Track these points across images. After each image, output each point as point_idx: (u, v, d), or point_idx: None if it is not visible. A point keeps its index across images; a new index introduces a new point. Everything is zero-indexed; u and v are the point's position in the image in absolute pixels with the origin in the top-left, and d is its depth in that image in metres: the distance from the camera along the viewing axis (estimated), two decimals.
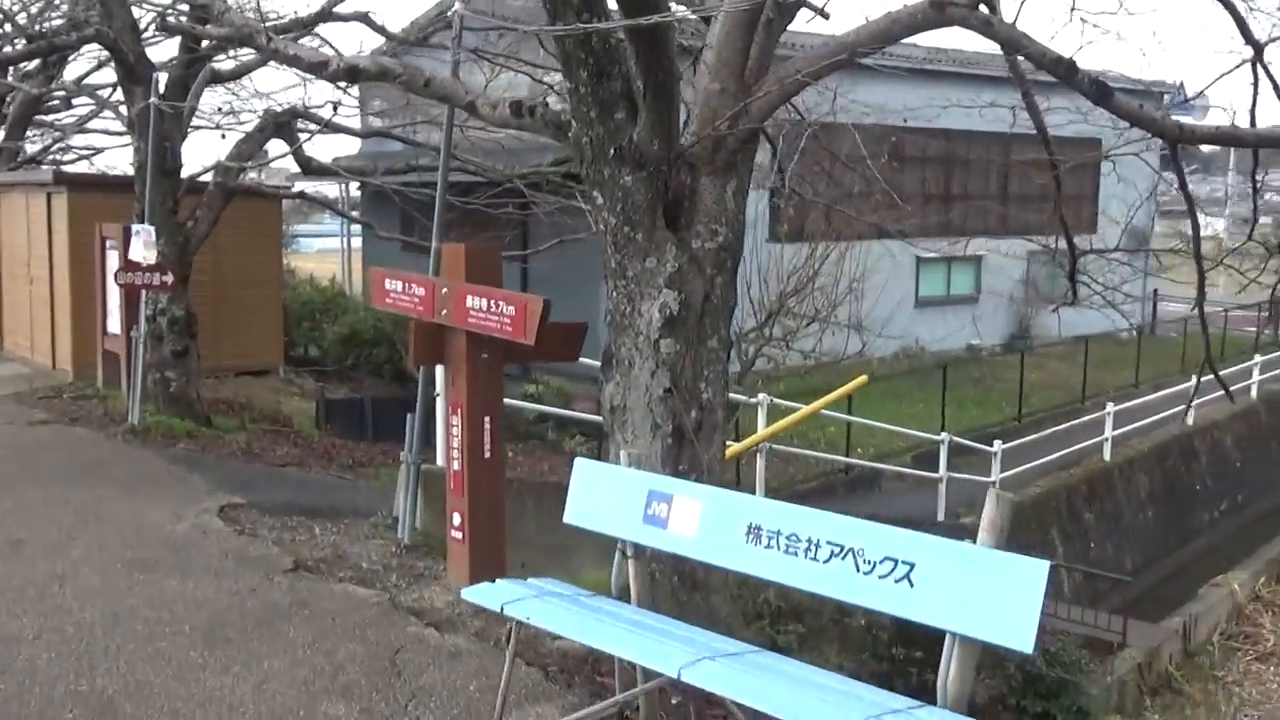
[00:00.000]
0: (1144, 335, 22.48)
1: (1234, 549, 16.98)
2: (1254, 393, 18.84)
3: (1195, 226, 6.44)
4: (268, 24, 7.18)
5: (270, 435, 11.24)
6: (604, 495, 3.93)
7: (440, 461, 6.94)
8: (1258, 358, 19.51)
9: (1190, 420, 16.57)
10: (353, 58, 5.67)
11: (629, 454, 5.43)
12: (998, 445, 12.03)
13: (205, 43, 10.05)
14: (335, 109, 9.89)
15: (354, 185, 21.45)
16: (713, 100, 5.49)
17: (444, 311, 5.10)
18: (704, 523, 3.46)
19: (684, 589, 5.44)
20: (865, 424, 12.63)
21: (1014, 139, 23.35)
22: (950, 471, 11.72)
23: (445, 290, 5.08)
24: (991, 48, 6.03)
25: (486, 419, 5.21)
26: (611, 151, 5.14)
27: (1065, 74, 5.41)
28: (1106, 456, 14.30)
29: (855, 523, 3.11)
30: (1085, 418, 15.27)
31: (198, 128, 12.03)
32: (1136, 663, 10.41)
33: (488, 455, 5.24)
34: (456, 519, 5.28)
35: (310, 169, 12.27)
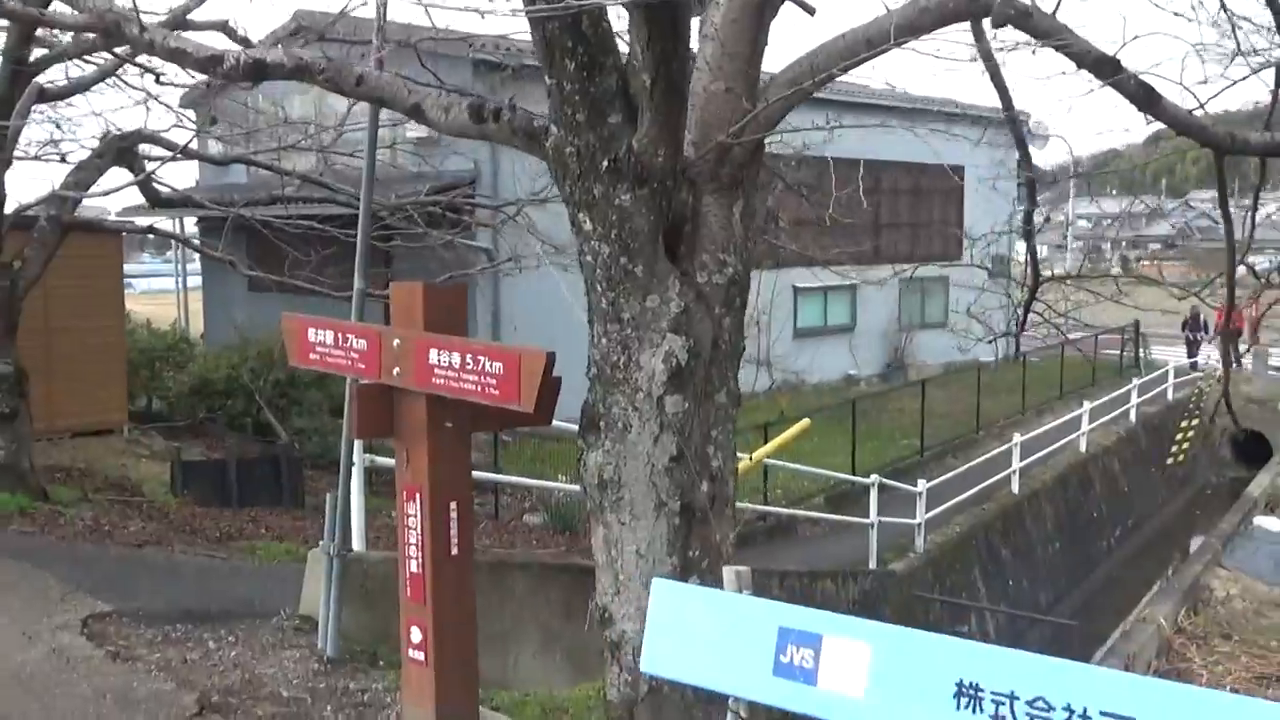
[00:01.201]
0: (1011, 361, 22.49)
1: (1132, 577, 16.85)
2: (1133, 416, 18.88)
3: (1231, 248, 5.77)
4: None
5: (119, 507, 9.68)
6: (703, 633, 2.87)
7: (357, 545, 5.75)
8: (1135, 380, 19.63)
9: (1084, 448, 16.37)
10: (260, 50, 4.50)
11: (632, 540, 4.43)
12: (922, 485, 11.38)
13: (42, 44, 8.60)
14: (197, 132, 8.52)
15: (189, 220, 19.71)
16: (715, 104, 4.51)
17: (396, 370, 3.96)
18: (877, 676, 2.41)
19: None
20: (786, 467, 11.78)
21: (885, 166, 23.36)
22: (874, 515, 10.96)
23: (398, 343, 3.95)
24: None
25: (453, 505, 4.08)
26: (605, 164, 4.10)
27: (1109, 73, 4.66)
28: (1015, 489, 13.85)
29: (1145, 682, 2.13)
30: (993, 449, 14.81)
31: (21, 157, 10.46)
32: None
33: (455, 551, 4.11)
34: (416, 635, 4.12)
35: (159, 201, 10.78)
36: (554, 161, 4.24)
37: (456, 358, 3.77)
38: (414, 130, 14.31)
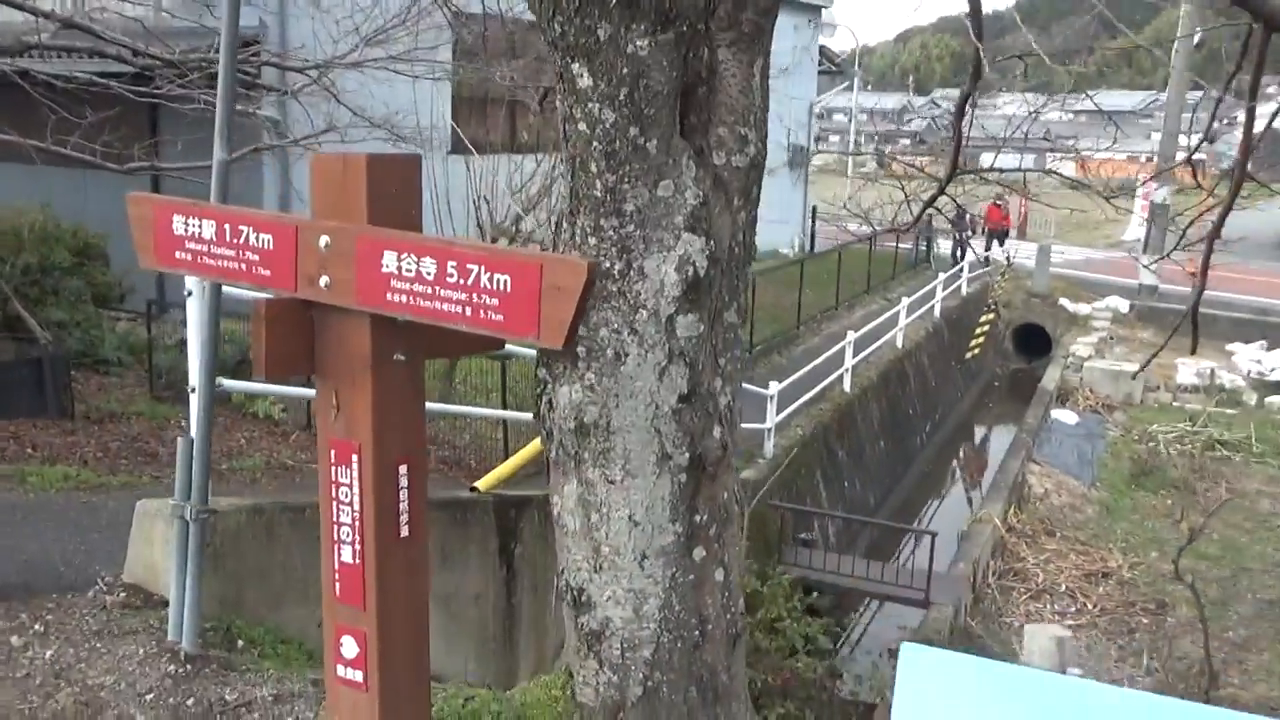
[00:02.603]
0: (809, 255, 22.28)
1: (940, 472, 17.03)
2: (937, 311, 18.96)
3: (1248, 135, 5.06)
4: None
5: None
6: None
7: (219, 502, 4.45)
8: (941, 275, 19.73)
9: (900, 343, 16.24)
10: None
11: (623, 503, 3.42)
12: (774, 387, 10.71)
13: None
14: None
15: None
16: None
17: (324, 280, 2.73)
18: None
19: None
20: None
21: None
22: None
23: (327, 241, 2.71)
24: None
25: (404, 469, 2.92)
26: None
27: None
28: (847, 388, 13.45)
29: None
30: (814, 344, 14.35)
31: None
32: (949, 622, 9.55)
33: (406, 533, 2.96)
34: (350, 648, 2.97)
35: None
36: None
37: (431, 265, 2.57)
38: None
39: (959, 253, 24.19)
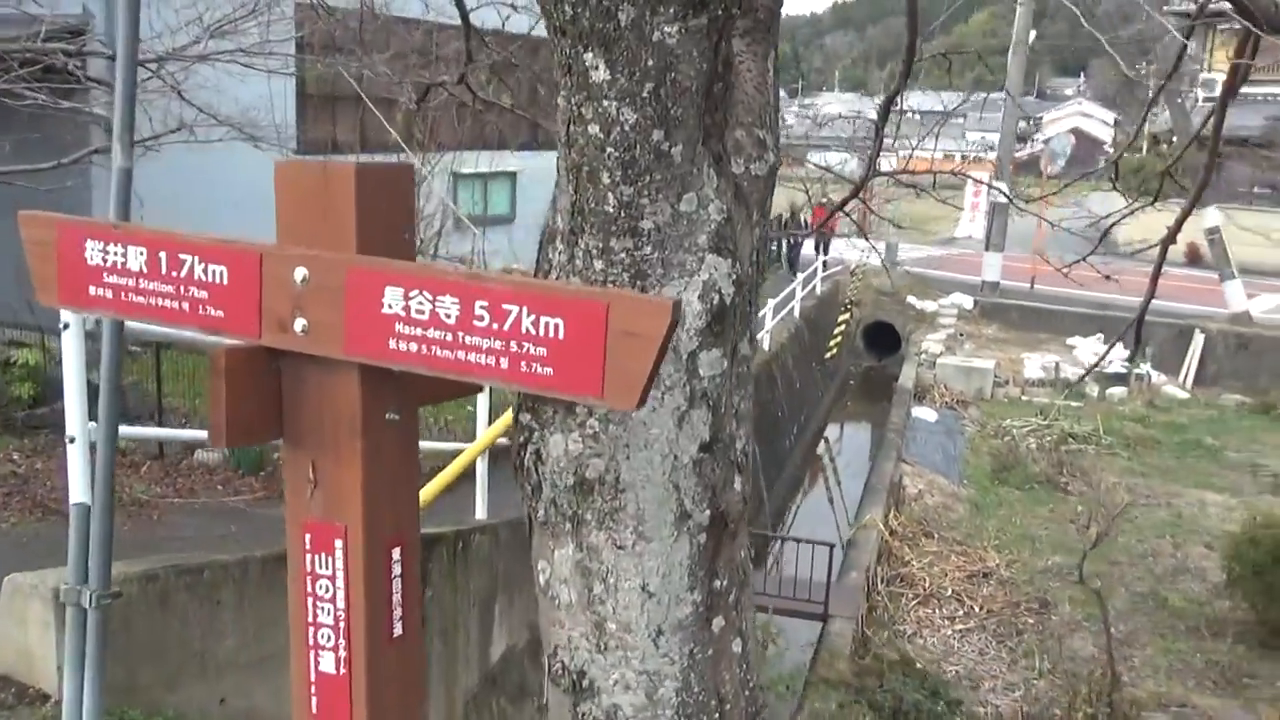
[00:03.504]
0: None
1: (812, 476, 16.97)
2: (796, 312, 18.94)
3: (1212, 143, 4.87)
4: None
5: None
6: None
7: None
8: (799, 276, 19.72)
9: (768, 345, 16.10)
10: None
11: (635, 571, 2.95)
12: None
13: None
14: None
15: None
16: None
17: (300, 324, 2.14)
18: None
19: None
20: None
21: (542, 42, 21.78)
22: None
23: (304, 274, 2.12)
24: None
25: (396, 552, 2.36)
26: None
27: None
28: None
29: None
30: None
31: None
32: (852, 635, 9.32)
33: (400, 631, 2.39)
34: None
35: None
36: None
37: (452, 305, 2.02)
38: None
39: (802, 255, 24.19)
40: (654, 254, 2.68)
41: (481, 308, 2.03)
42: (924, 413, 17.74)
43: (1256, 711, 9.31)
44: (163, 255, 2.30)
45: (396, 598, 2.39)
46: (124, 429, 4.91)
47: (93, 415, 3.49)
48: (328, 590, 2.33)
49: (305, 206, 2.22)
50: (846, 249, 24.75)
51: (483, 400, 6.87)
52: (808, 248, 25.04)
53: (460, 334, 2.06)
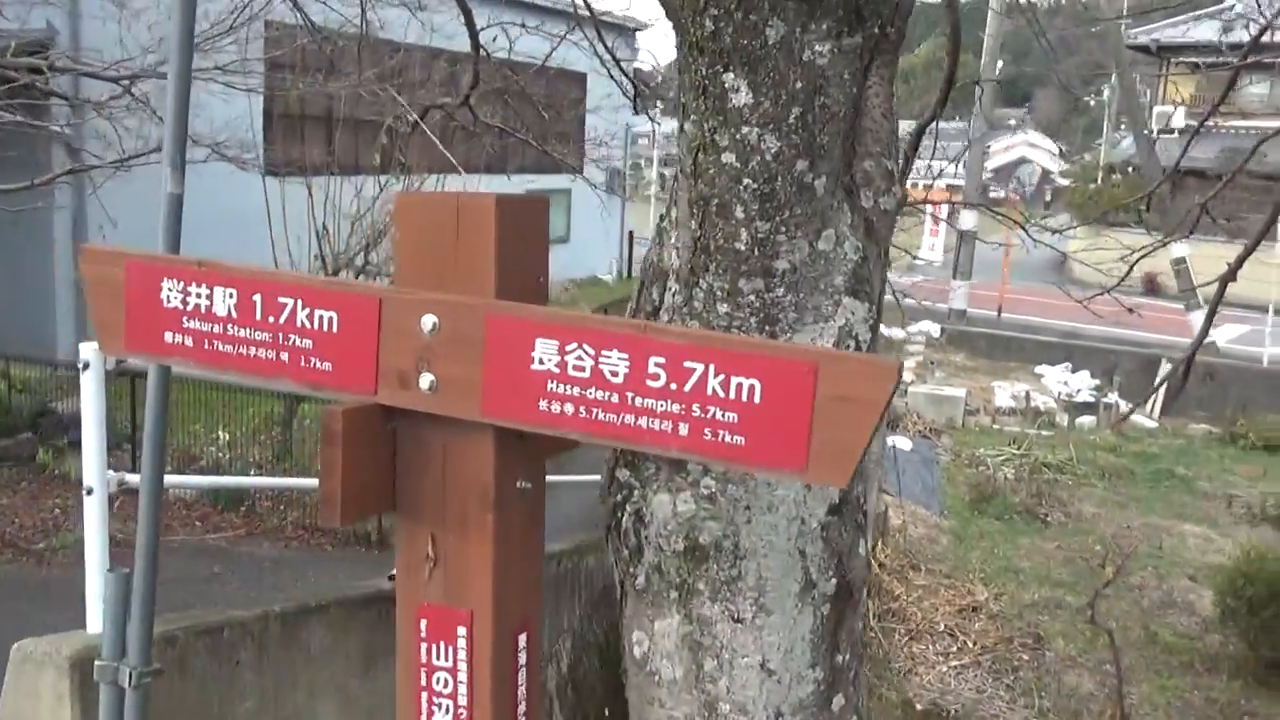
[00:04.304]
0: (625, 278, 21.87)
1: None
2: None
3: None
4: None
5: None
6: None
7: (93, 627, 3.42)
8: None
9: None
10: None
11: (754, 647, 2.69)
12: None
13: None
14: None
15: None
16: None
17: (427, 380, 1.84)
18: None
19: None
20: None
21: (512, 66, 21.50)
22: None
23: (434, 322, 1.82)
24: None
25: (523, 639, 2.05)
26: None
27: None
28: None
29: None
30: None
31: None
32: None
33: None
34: None
35: None
36: None
37: (620, 361, 1.74)
38: None
39: None
40: (787, 296, 2.42)
41: (657, 365, 1.75)
42: (900, 441, 17.58)
43: None
44: (257, 298, 1.99)
45: (522, 690, 2.09)
46: (185, 479, 4.54)
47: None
48: (446, 685, 2.02)
49: (432, 244, 1.93)
50: None
51: None
52: None
53: (630, 395, 1.77)
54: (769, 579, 2.57)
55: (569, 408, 1.81)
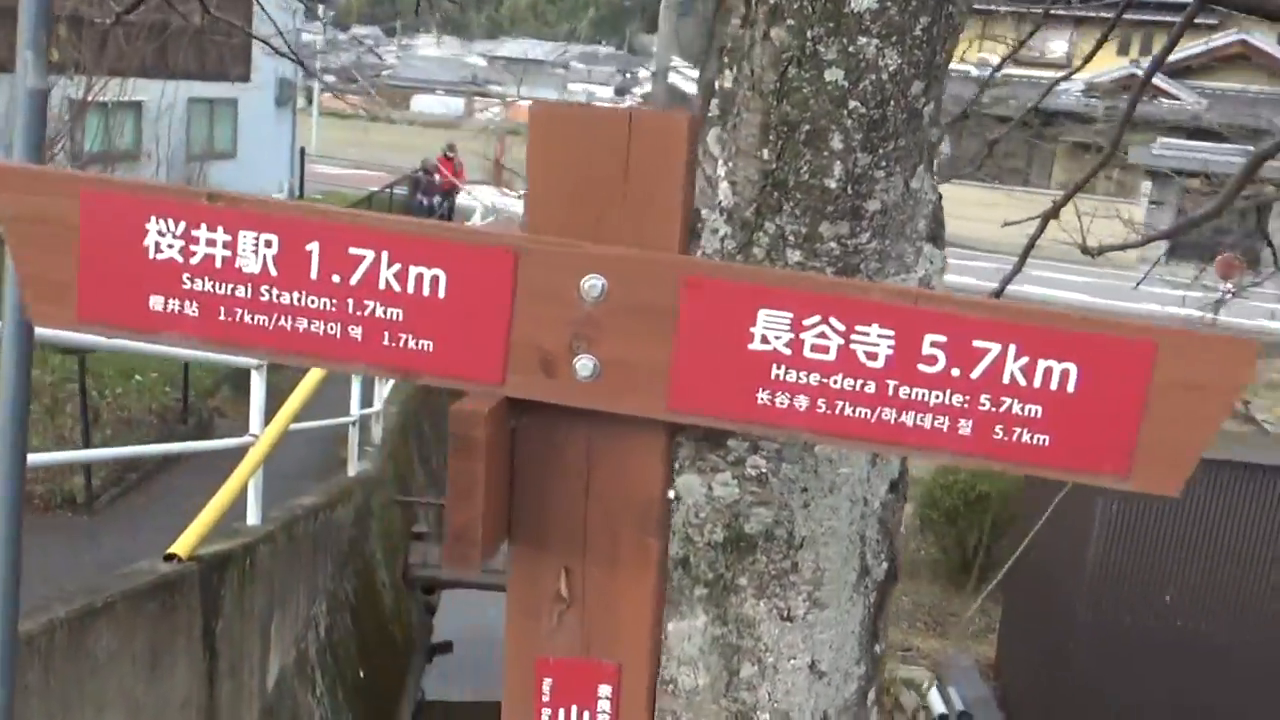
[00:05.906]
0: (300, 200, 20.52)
1: None
2: None
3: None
4: None
5: None
6: None
7: None
8: None
9: None
10: None
11: (804, 645, 2.39)
12: None
13: None
14: None
15: None
16: None
17: (586, 365, 1.31)
18: None
19: None
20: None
21: None
22: (356, 407, 8.54)
23: (601, 285, 1.30)
24: None
25: (654, 689, 1.59)
26: None
27: None
28: None
29: None
30: None
31: None
32: None
33: None
34: None
35: None
36: None
37: (883, 339, 1.29)
38: None
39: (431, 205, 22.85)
40: (872, 243, 2.07)
41: (935, 345, 1.33)
42: None
43: (972, 650, 9.91)
44: (313, 248, 1.39)
45: None
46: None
47: None
48: None
49: (590, 178, 1.40)
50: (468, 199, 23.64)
51: (258, 383, 5.71)
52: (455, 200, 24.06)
53: (892, 384, 1.35)
54: (827, 570, 2.23)
55: (801, 401, 1.36)
